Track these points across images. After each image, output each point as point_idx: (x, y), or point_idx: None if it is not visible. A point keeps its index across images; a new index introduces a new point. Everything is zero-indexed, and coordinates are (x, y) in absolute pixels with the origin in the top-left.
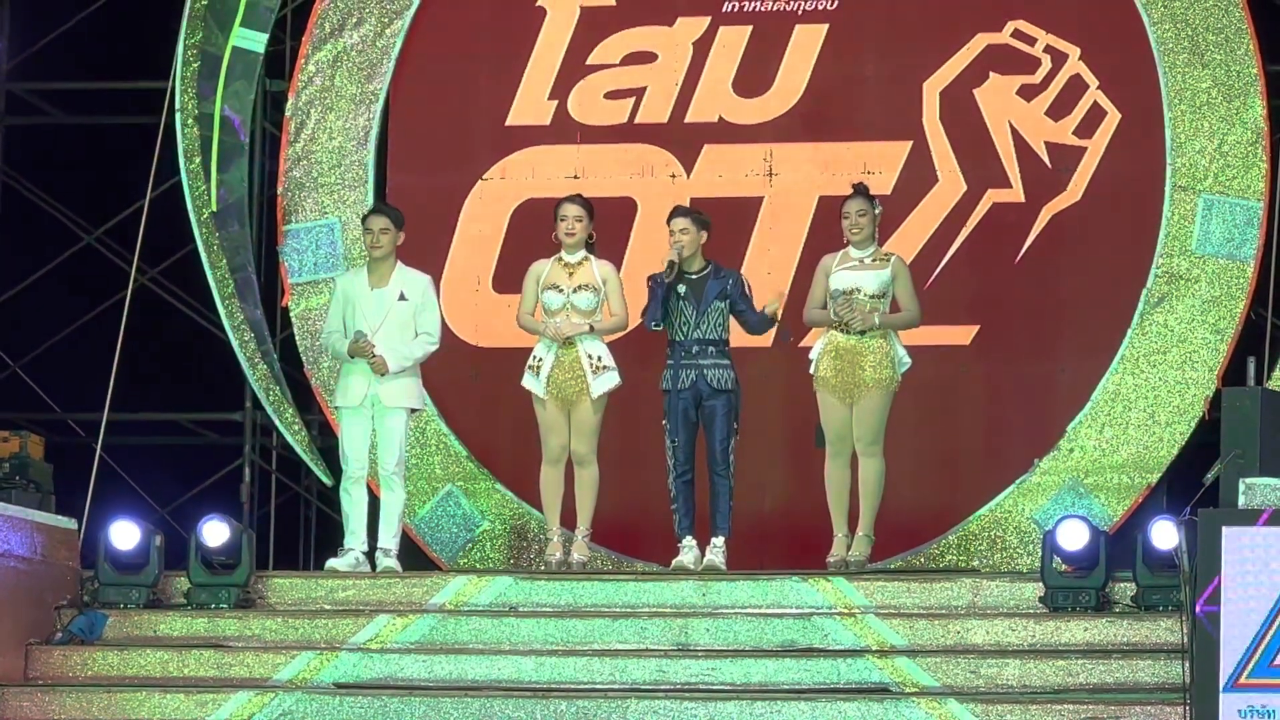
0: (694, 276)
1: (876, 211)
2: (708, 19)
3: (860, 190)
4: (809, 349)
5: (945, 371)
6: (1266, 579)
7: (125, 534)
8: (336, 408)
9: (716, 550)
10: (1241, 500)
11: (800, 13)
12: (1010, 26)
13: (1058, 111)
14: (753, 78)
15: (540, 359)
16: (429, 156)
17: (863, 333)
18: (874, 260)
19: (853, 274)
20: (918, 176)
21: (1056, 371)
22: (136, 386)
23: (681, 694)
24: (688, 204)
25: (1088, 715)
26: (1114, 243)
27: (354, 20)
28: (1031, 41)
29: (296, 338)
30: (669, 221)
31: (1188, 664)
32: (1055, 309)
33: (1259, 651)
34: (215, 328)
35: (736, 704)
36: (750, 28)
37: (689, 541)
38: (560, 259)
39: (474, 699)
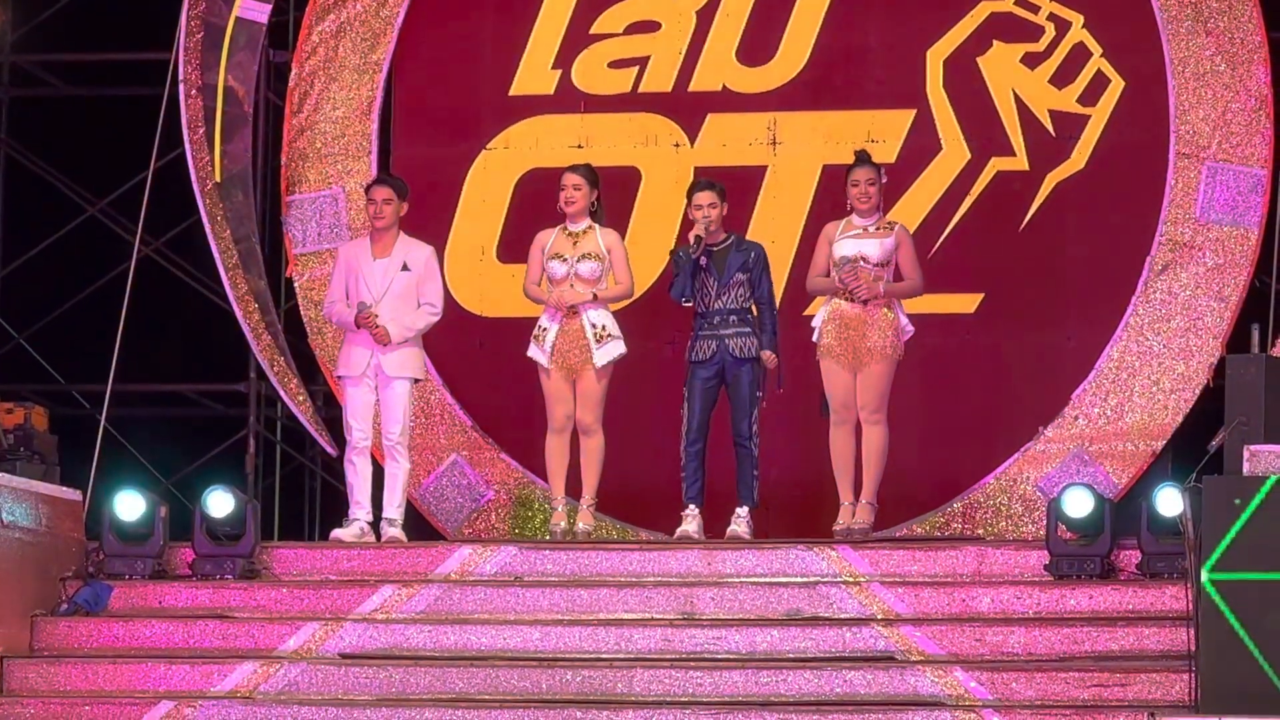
0: (716, 249)
1: (883, 180)
2: None
3: (866, 158)
4: (812, 317)
5: (950, 340)
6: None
7: (130, 505)
8: (339, 378)
9: (740, 520)
10: (1246, 467)
11: None
12: None
13: (1061, 79)
14: (756, 46)
15: (545, 329)
16: (433, 126)
17: (866, 301)
18: (877, 228)
19: (857, 242)
20: (921, 145)
21: (1061, 339)
22: (141, 358)
23: (687, 663)
24: (692, 173)
25: (1094, 684)
26: (1118, 210)
27: None
28: (1035, 9)
29: (300, 308)
30: (690, 194)
31: (1193, 631)
32: (1060, 277)
33: None
34: (219, 299)
35: (742, 673)
36: None
37: (692, 510)
38: (564, 228)
39: (479, 669)
